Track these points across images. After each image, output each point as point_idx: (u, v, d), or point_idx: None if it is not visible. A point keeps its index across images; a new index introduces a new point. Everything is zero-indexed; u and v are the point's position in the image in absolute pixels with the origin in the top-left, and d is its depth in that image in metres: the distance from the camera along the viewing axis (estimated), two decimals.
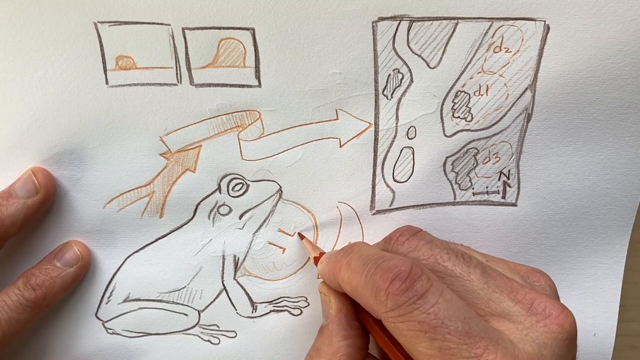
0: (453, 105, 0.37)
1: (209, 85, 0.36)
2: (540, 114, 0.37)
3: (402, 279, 0.28)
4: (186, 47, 0.35)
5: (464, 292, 0.30)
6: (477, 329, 0.27)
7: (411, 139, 0.38)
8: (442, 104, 0.37)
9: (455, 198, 0.39)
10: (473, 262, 0.31)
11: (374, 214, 0.39)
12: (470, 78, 0.36)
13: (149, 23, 0.34)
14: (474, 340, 0.27)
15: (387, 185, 0.39)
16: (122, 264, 0.39)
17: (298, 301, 0.40)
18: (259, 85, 0.36)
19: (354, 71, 0.36)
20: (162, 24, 0.34)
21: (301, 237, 0.39)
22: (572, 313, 0.29)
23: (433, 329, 0.27)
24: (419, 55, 0.36)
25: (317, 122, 0.37)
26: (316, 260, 0.36)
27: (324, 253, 0.36)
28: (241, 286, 0.40)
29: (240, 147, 0.37)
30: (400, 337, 0.28)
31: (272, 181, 0.38)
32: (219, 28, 0.34)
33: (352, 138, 0.38)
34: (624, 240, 0.40)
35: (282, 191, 0.38)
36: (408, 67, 0.36)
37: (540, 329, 0.28)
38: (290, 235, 0.39)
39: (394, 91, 0.37)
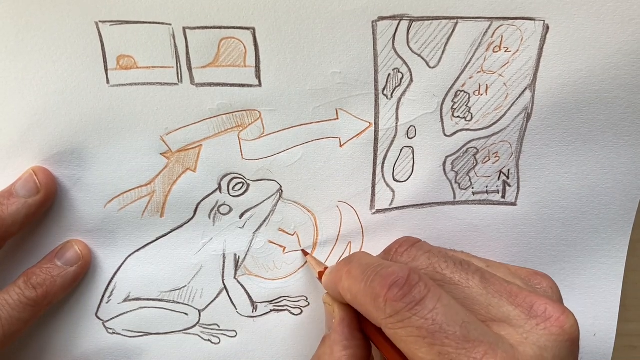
0: (453, 105, 0.37)
1: (210, 84, 0.36)
2: (539, 114, 0.37)
3: (400, 286, 0.28)
4: (187, 46, 0.35)
5: (464, 299, 0.30)
6: (475, 333, 0.27)
7: (411, 138, 0.38)
8: (442, 104, 0.37)
9: (455, 197, 0.39)
10: (472, 268, 0.31)
11: (374, 213, 0.39)
12: (470, 78, 0.37)
13: (150, 22, 0.34)
14: (472, 344, 0.27)
15: (387, 185, 0.39)
16: (122, 263, 0.39)
17: (298, 301, 0.40)
18: (260, 84, 0.36)
19: (354, 71, 0.36)
20: (163, 23, 0.34)
21: (305, 253, 0.39)
22: (573, 315, 0.29)
23: (431, 335, 0.27)
24: (419, 55, 0.36)
25: (317, 122, 0.37)
26: (321, 275, 0.36)
27: (328, 268, 0.36)
28: (241, 285, 0.40)
29: (240, 146, 0.37)
30: (400, 343, 0.28)
31: (273, 181, 0.38)
32: (220, 27, 0.35)
33: (352, 138, 0.38)
34: (624, 240, 0.40)
35: (282, 191, 0.38)
36: (408, 66, 0.36)
37: (540, 331, 0.28)
38: (290, 234, 0.39)
39: (393, 91, 0.37)
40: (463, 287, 0.30)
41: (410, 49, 0.36)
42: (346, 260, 0.33)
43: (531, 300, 0.29)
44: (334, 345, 0.33)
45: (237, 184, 0.38)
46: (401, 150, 0.38)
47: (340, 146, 0.38)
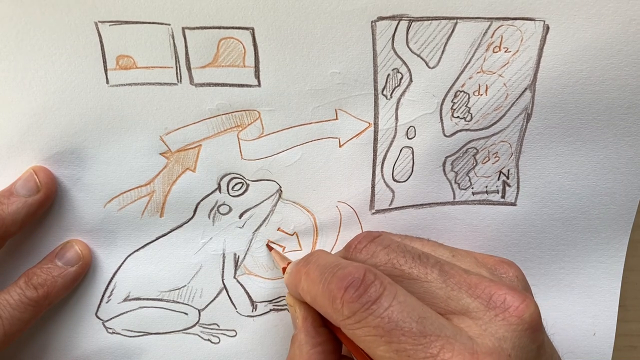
0: (452, 105, 0.37)
1: (209, 84, 0.36)
2: (539, 114, 0.37)
3: (356, 287, 0.28)
4: (186, 46, 0.35)
5: (423, 293, 0.30)
6: (432, 327, 0.27)
7: (411, 138, 0.38)
8: (442, 104, 0.37)
9: (454, 198, 0.39)
10: (430, 261, 0.31)
11: (373, 213, 0.39)
12: (470, 78, 0.37)
13: (149, 23, 0.34)
14: (429, 339, 0.27)
15: (387, 185, 0.39)
16: (122, 263, 0.39)
17: None
18: (259, 84, 0.36)
19: (353, 71, 0.36)
20: (162, 23, 0.34)
21: (269, 248, 0.39)
22: (533, 302, 0.29)
23: (388, 333, 0.27)
24: (418, 55, 0.36)
25: (317, 122, 0.37)
26: (284, 270, 0.36)
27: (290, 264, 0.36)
28: (241, 285, 0.40)
29: (240, 146, 0.37)
30: (359, 343, 0.28)
31: (272, 181, 0.38)
32: (219, 28, 0.35)
33: (352, 138, 0.38)
34: (623, 240, 0.40)
35: (281, 191, 0.38)
36: (407, 66, 0.36)
37: (499, 322, 0.28)
38: (290, 235, 0.39)
39: (393, 91, 0.37)
40: (422, 281, 0.30)
41: (410, 49, 0.36)
42: (304, 261, 0.33)
43: (490, 290, 0.29)
44: (302, 345, 0.33)
45: (236, 184, 0.38)
46: (401, 150, 0.38)
47: (340, 146, 0.38)
